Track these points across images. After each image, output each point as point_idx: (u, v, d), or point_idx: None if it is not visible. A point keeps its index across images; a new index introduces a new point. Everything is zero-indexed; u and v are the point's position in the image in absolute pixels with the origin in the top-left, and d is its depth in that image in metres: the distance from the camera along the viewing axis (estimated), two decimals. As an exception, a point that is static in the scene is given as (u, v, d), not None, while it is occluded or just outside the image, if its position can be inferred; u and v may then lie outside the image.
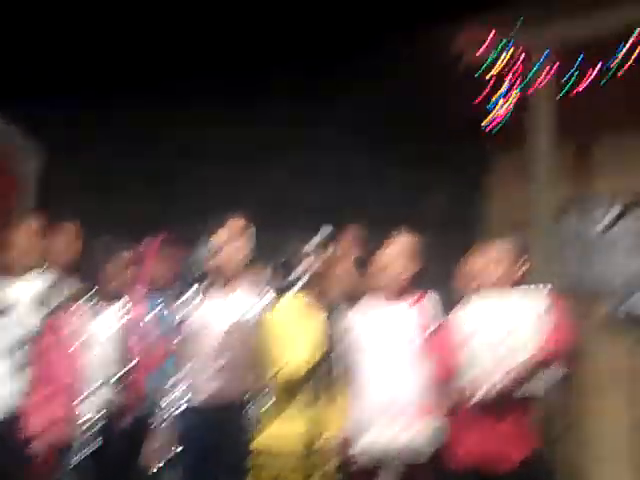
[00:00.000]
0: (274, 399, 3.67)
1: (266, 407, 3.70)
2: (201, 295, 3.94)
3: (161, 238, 4.81)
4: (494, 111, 5.77)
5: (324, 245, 3.58)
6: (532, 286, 3.82)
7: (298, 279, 3.71)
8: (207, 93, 5.82)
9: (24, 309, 4.16)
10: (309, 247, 3.72)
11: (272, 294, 3.89)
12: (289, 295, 3.74)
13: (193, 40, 5.88)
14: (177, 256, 4.81)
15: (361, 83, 6.06)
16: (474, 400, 3.64)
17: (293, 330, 3.61)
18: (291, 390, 3.59)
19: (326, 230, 3.54)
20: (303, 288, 3.73)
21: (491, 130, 5.83)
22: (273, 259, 4.07)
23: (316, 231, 3.66)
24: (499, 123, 5.81)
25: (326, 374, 3.46)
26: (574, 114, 5.51)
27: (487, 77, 5.73)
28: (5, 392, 4.04)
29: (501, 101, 5.74)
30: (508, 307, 3.73)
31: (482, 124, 5.84)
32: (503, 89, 5.74)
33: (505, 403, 3.64)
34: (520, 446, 3.68)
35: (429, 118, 5.98)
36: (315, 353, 3.56)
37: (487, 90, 5.74)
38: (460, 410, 3.71)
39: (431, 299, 3.93)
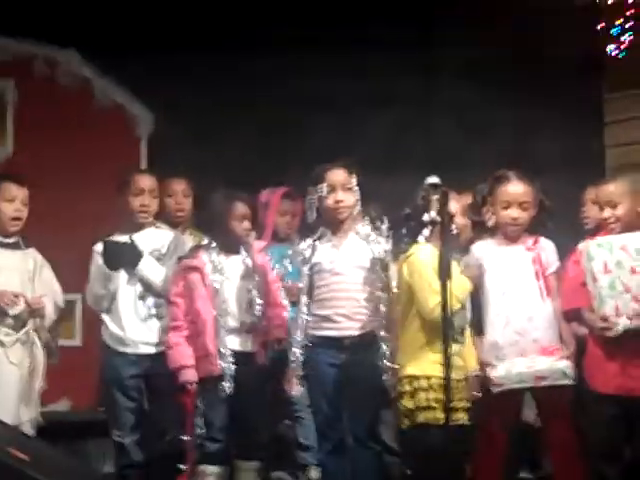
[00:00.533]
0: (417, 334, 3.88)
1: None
2: (318, 241, 4.08)
3: (281, 191, 4.93)
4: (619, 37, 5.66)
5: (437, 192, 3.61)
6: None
7: (425, 227, 3.84)
8: (318, 44, 5.80)
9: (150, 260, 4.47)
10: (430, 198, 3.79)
11: (390, 240, 4.03)
12: (422, 241, 3.88)
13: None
14: (297, 208, 4.92)
15: (471, 25, 5.92)
16: (619, 329, 3.80)
17: (433, 274, 3.73)
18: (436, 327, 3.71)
19: (433, 180, 3.57)
20: (429, 236, 3.86)
21: (617, 55, 5.74)
22: (384, 207, 4.18)
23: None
24: (624, 50, 5.71)
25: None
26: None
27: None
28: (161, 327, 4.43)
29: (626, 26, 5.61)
30: (634, 243, 3.85)
31: (605, 52, 5.76)
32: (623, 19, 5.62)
33: None
34: None
35: (538, 54, 5.87)
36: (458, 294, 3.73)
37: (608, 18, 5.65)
38: (600, 339, 3.89)
39: (547, 243, 4.13)
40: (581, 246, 3.96)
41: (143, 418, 4.46)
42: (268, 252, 4.56)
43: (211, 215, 4.36)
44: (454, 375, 3.63)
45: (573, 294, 4.00)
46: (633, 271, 3.81)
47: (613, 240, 3.88)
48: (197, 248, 4.38)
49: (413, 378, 3.83)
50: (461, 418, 3.77)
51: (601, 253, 3.85)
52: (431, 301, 3.75)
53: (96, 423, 4.98)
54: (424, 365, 3.82)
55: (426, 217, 3.80)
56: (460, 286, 3.75)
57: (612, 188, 3.98)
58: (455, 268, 3.69)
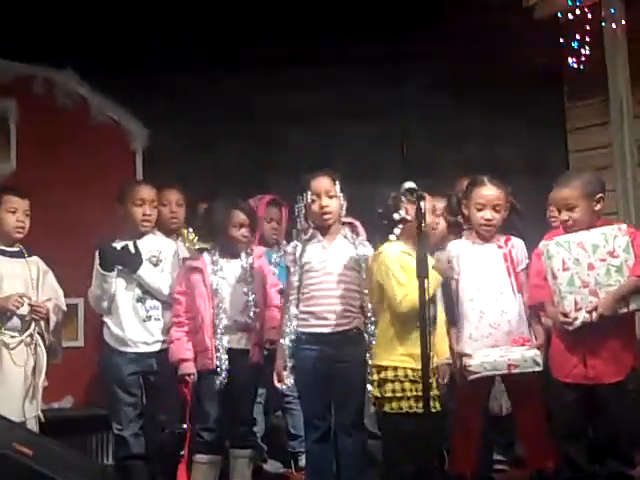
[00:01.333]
0: (388, 327, 4.04)
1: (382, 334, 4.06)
2: (309, 242, 4.25)
3: (267, 199, 5.21)
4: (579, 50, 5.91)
5: (413, 197, 3.78)
6: (614, 225, 4.12)
7: (395, 227, 4.04)
8: (301, 60, 6.14)
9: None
10: (400, 198, 4.01)
11: (368, 243, 4.24)
12: (392, 241, 4.07)
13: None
14: (282, 215, 5.22)
15: (437, 40, 6.23)
16: (578, 323, 3.98)
17: (400, 270, 3.97)
18: (404, 320, 3.95)
19: (410, 185, 3.73)
20: (400, 236, 4.05)
21: (577, 67, 6.00)
22: (364, 212, 4.34)
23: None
24: (583, 62, 5.96)
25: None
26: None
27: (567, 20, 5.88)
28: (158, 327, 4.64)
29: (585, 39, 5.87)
30: (595, 239, 4.02)
31: (567, 64, 6.04)
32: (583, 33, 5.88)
33: (607, 322, 3.97)
34: (624, 362, 4.05)
35: (504, 66, 6.16)
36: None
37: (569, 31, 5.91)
38: (561, 332, 4.08)
39: (517, 242, 4.33)
40: (541, 245, 4.14)
41: (142, 413, 4.63)
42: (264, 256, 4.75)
43: (212, 223, 4.59)
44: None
45: (536, 290, 4.19)
46: (590, 267, 3.97)
47: (571, 238, 4.03)
48: (200, 251, 4.64)
49: (381, 368, 3.98)
50: (432, 406, 3.80)
51: (560, 251, 4.01)
52: (399, 295, 3.93)
53: (97, 418, 5.21)
54: (393, 357, 3.97)
55: (396, 216, 4.00)
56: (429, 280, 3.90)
57: (567, 192, 4.10)
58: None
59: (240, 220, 4.53)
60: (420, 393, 3.80)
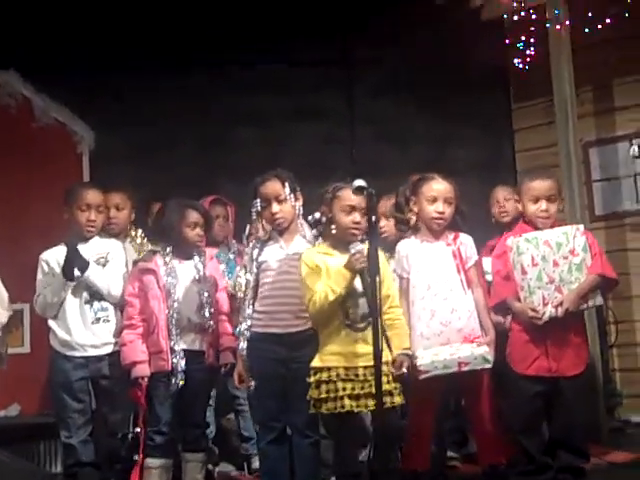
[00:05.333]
0: (318, 328, 4.01)
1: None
2: (266, 242, 4.23)
3: (210, 199, 5.18)
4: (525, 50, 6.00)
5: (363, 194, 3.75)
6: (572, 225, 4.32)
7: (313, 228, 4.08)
8: (251, 63, 6.21)
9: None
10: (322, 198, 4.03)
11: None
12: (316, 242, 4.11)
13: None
14: (228, 214, 5.20)
15: (386, 42, 6.30)
16: (546, 318, 4.12)
17: (310, 272, 3.98)
18: (324, 317, 3.96)
19: (359, 182, 3.68)
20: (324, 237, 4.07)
21: (523, 68, 6.10)
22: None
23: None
24: (528, 63, 6.06)
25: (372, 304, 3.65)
26: (594, 56, 5.72)
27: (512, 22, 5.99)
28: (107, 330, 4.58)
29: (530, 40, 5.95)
30: (558, 238, 4.17)
31: (512, 65, 6.13)
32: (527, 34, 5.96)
33: (567, 317, 4.13)
34: (581, 355, 4.22)
35: (452, 68, 6.24)
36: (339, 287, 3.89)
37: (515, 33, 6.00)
38: (525, 326, 4.19)
39: (466, 238, 4.34)
40: (509, 242, 4.23)
41: (90, 419, 4.57)
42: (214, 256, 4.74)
43: (165, 222, 4.52)
44: (358, 362, 3.87)
45: (499, 287, 4.29)
46: (555, 264, 4.13)
47: (538, 235, 4.17)
48: (152, 252, 4.57)
49: (317, 369, 3.94)
50: (371, 405, 3.83)
51: (529, 247, 4.15)
52: (306, 298, 3.95)
53: (44, 426, 5.12)
54: (325, 357, 3.95)
55: (310, 218, 4.05)
56: (336, 279, 3.88)
57: (551, 184, 4.29)
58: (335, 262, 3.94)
59: (194, 219, 4.49)
60: (356, 392, 3.85)
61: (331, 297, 3.88)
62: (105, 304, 4.62)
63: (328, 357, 3.94)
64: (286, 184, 4.17)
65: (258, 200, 4.18)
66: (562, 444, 4.18)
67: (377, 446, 3.75)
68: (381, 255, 3.86)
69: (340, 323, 3.93)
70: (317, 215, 4.04)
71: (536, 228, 4.27)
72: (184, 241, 4.49)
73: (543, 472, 4.15)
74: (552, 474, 4.15)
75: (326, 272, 3.95)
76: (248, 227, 4.38)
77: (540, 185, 4.30)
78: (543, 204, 4.29)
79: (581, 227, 4.28)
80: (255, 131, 6.28)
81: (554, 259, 4.13)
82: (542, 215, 4.29)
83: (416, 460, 4.25)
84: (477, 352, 4.12)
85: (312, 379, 3.94)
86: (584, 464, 4.20)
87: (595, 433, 5.09)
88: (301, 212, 4.21)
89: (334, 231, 4.01)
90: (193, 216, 4.48)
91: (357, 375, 3.89)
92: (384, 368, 3.79)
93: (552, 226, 4.26)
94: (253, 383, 4.14)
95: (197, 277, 4.49)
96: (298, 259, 4.09)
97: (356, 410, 3.89)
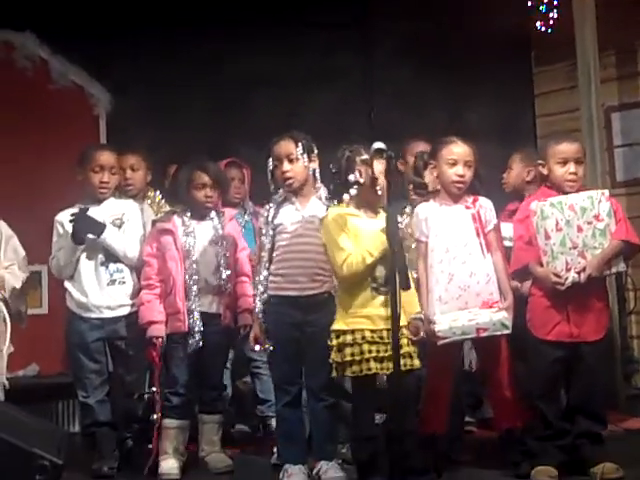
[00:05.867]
0: (342, 290, 4.01)
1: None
2: (282, 204, 4.22)
3: (226, 161, 5.17)
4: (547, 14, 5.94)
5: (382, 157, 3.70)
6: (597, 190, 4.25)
7: (349, 189, 3.96)
8: (265, 26, 6.14)
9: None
10: (354, 159, 3.97)
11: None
12: (346, 200, 4.01)
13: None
14: (244, 176, 5.18)
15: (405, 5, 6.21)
16: (569, 283, 4.07)
17: (341, 232, 3.95)
18: (347, 284, 3.95)
19: (379, 145, 3.65)
20: (355, 195, 3.98)
21: (545, 31, 6.03)
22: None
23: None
24: (551, 26, 6.00)
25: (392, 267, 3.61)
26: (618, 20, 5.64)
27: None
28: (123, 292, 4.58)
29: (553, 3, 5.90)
30: (583, 202, 4.11)
31: (534, 29, 6.08)
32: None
33: (589, 283, 4.08)
34: (602, 321, 4.17)
35: (472, 32, 6.17)
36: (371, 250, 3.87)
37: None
38: (547, 291, 4.14)
39: (485, 202, 4.30)
40: (533, 205, 4.17)
41: (107, 379, 4.59)
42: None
43: (176, 184, 4.55)
44: (382, 325, 3.85)
45: (521, 252, 4.24)
46: (579, 229, 4.08)
47: (563, 200, 4.12)
48: (172, 212, 4.58)
49: (339, 332, 3.92)
50: (406, 364, 3.84)
51: (554, 212, 4.09)
52: (338, 259, 3.90)
53: (62, 386, 5.17)
54: (348, 319, 3.93)
55: (351, 177, 3.95)
56: (374, 242, 3.87)
57: (578, 146, 4.24)
58: (371, 225, 3.92)
59: (203, 181, 4.48)
60: (381, 354, 3.83)
61: (368, 260, 3.86)
62: (121, 266, 4.60)
63: (354, 320, 3.92)
64: (299, 144, 4.15)
65: (271, 159, 4.18)
66: (581, 409, 4.15)
67: (394, 409, 3.72)
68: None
69: (367, 285, 3.91)
70: (356, 176, 3.92)
71: (559, 193, 4.22)
72: (192, 202, 4.49)
73: (561, 437, 4.12)
74: (570, 439, 4.13)
75: (355, 234, 3.91)
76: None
77: (568, 148, 4.24)
78: (572, 167, 4.22)
79: (606, 192, 4.20)
80: (273, 93, 6.23)
81: (578, 224, 4.08)
82: (571, 178, 4.22)
83: (433, 424, 4.23)
84: (496, 318, 4.09)
85: (334, 342, 3.92)
86: (602, 430, 4.18)
87: (612, 400, 5.09)
88: (317, 174, 4.20)
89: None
90: (201, 177, 4.47)
91: (382, 337, 3.87)
92: (404, 331, 3.85)
93: (578, 190, 4.20)
94: (270, 345, 4.14)
95: (215, 238, 4.48)
96: (314, 221, 4.09)
97: (381, 373, 3.88)
